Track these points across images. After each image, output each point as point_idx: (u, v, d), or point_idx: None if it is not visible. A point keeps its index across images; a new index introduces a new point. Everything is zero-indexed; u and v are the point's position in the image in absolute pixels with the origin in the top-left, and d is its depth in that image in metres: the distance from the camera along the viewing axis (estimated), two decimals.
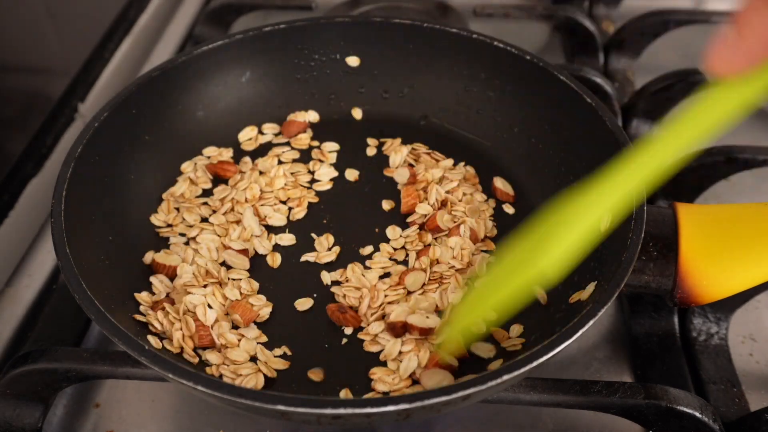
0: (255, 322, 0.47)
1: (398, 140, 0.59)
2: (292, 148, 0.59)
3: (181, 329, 0.44)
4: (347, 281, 0.49)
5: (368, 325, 0.46)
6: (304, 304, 0.48)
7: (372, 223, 0.53)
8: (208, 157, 0.57)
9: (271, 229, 0.53)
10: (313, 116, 0.61)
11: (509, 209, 0.54)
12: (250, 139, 0.59)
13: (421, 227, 0.52)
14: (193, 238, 0.51)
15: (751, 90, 0.30)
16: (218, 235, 0.51)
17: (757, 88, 0.30)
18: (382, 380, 0.43)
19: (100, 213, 0.47)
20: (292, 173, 0.56)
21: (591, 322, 0.37)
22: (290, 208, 0.54)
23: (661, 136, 0.33)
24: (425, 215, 0.53)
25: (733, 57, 0.29)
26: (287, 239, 0.52)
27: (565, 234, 0.34)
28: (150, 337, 0.43)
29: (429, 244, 0.51)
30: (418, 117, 0.60)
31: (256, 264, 0.50)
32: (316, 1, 0.79)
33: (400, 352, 0.44)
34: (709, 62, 0.30)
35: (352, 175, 0.57)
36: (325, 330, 0.47)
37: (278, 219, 0.53)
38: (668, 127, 0.32)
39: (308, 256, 0.51)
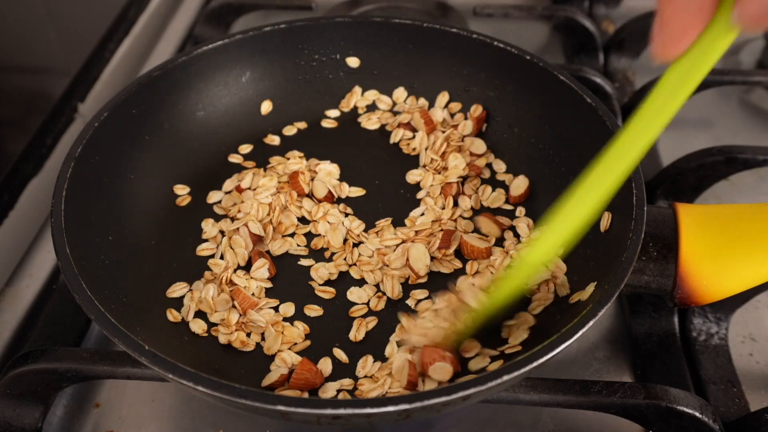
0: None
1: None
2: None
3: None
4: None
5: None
6: (315, 310, 0.48)
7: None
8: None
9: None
10: None
11: (507, 207, 0.54)
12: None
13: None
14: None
15: (697, 61, 0.33)
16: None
17: (701, 56, 0.32)
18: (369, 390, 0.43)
19: (100, 213, 0.47)
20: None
21: (591, 323, 0.37)
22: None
23: (632, 124, 0.35)
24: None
25: (666, 42, 0.32)
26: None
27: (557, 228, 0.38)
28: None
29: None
30: None
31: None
32: (316, 1, 0.79)
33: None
34: (653, 52, 0.32)
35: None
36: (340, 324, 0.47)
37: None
38: (636, 115, 0.35)
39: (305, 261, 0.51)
